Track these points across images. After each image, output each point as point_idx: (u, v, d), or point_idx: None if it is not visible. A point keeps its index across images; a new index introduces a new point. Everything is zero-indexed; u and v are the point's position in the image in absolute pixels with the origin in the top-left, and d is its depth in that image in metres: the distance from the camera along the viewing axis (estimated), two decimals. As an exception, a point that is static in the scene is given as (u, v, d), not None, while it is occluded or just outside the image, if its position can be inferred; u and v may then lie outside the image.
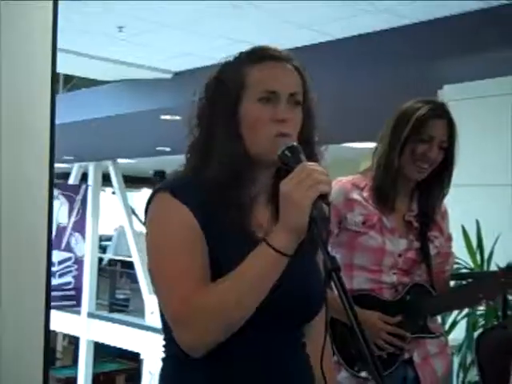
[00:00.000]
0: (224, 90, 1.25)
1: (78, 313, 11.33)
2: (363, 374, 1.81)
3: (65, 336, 15.75)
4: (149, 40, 5.05)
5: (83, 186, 11.64)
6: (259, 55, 1.27)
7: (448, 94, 4.64)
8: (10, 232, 1.85)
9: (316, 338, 1.28)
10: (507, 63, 4.15)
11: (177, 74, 5.86)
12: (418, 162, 1.86)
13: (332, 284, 1.07)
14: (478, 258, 3.66)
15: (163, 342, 1.30)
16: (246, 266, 1.14)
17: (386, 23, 4.39)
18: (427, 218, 1.92)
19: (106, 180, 12.15)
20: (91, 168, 11.72)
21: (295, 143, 1.21)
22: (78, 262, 11.32)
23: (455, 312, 3.63)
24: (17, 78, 1.86)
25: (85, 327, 11.41)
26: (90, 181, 11.74)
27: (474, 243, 3.68)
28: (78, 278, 11.25)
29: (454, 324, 3.58)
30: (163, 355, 1.30)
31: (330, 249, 1.89)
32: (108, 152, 10.82)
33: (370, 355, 1.01)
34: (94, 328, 11.40)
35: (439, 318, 2.20)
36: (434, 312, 1.90)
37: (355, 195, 1.88)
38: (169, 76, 5.89)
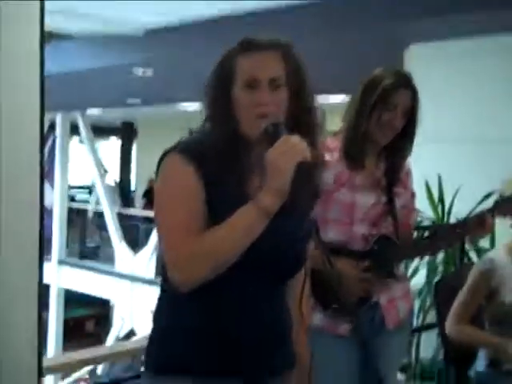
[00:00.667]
0: (221, 77, 1.45)
1: (49, 260, 11.47)
2: (337, 316, 2.04)
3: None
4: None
5: (51, 137, 11.64)
6: (246, 46, 1.44)
7: (413, 54, 4.85)
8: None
9: (296, 284, 1.52)
10: (470, 25, 4.35)
11: (148, 31, 5.93)
12: (384, 128, 2.04)
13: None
14: (440, 210, 3.93)
15: (160, 283, 1.52)
16: (234, 220, 1.34)
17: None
18: (393, 176, 2.12)
19: (74, 129, 12.13)
20: (59, 118, 11.66)
21: (278, 120, 1.39)
22: (47, 211, 11.40)
23: (416, 259, 3.93)
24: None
25: (55, 274, 11.56)
26: (58, 131, 11.70)
27: (436, 197, 3.95)
28: (48, 227, 11.35)
29: (416, 270, 3.88)
30: (159, 295, 1.52)
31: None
32: (76, 103, 10.78)
33: (347, 301, 1.23)
34: (65, 275, 11.57)
35: (402, 265, 2.44)
36: (399, 259, 2.14)
37: (327, 156, 2.06)
38: (141, 32, 5.95)
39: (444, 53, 4.67)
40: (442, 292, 2.71)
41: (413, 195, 2.23)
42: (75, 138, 14.48)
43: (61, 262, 11.66)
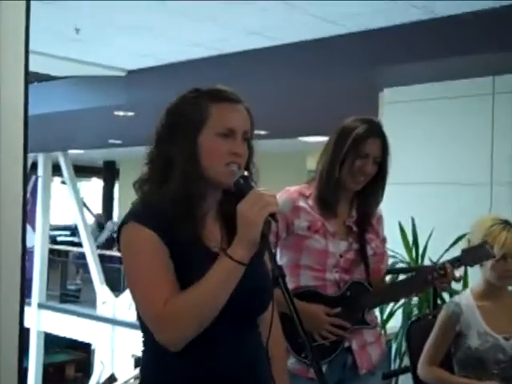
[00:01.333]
0: (185, 121, 1.47)
1: (29, 304, 11.35)
2: (308, 361, 2.06)
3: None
4: (104, 40, 5.18)
5: (33, 177, 11.64)
6: (218, 96, 1.49)
7: (388, 97, 4.97)
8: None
9: (266, 324, 1.52)
10: (443, 69, 4.48)
11: (130, 72, 6.02)
12: (356, 175, 2.11)
13: (278, 287, 1.33)
14: (414, 252, 3.98)
15: (142, 339, 1.52)
16: (211, 275, 1.37)
17: (334, 31, 4.66)
18: (365, 223, 2.18)
19: (56, 170, 12.14)
20: (41, 159, 11.68)
21: (246, 173, 1.46)
22: (28, 253, 11.33)
23: (392, 303, 3.96)
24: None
25: (35, 318, 11.43)
26: (40, 171, 11.70)
27: (410, 239, 4.00)
28: (28, 270, 11.26)
29: (391, 314, 3.90)
30: (143, 349, 1.53)
31: (279, 251, 2.16)
32: (59, 143, 10.83)
33: (307, 341, 1.26)
34: (45, 319, 11.43)
35: (376, 310, 2.47)
36: (371, 306, 2.16)
37: (301, 203, 2.12)
38: (122, 74, 6.04)
39: (416, 95, 4.79)
40: (414, 335, 2.73)
41: (384, 240, 2.27)
42: (57, 179, 14.47)
43: (41, 306, 11.54)
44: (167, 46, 5.27)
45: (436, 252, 3.79)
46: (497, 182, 4.35)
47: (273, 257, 1.36)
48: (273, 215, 1.36)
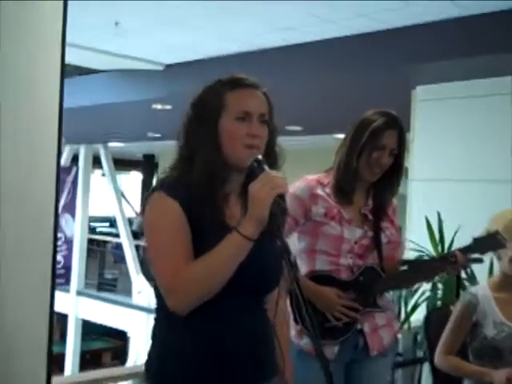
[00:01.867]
0: (207, 109, 1.58)
1: (68, 291, 11.66)
2: (322, 340, 2.16)
3: (53, 314, 16.01)
4: (143, 35, 5.34)
5: (74, 168, 11.92)
6: (236, 83, 1.60)
7: (420, 94, 5.01)
8: (20, 212, 2.10)
9: (271, 299, 1.64)
10: (473, 68, 4.51)
11: (168, 66, 6.17)
12: (372, 167, 2.19)
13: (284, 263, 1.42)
14: (440, 247, 4.02)
15: (156, 306, 1.64)
16: (221, 248, 1.48)
17: (368, 28, 4.72)
18: (380, 212, 2.26)
19: (97, 162, 12.43)
20: (82, 150, 11.98)
21: (260, 156, 1.56)
22: (68, 241, 11.65)
23: (416, 295, 4.02)
24: (31, 65, 2.09)
25: (73, 305, 11.74)
26: (81, 163, 12.01)
27: (437, 234, 4.04)
28: (68, 258, 11.57)
29: (416, 306, 3.96)
30: (156, 316, 1.65)
31: (297, 236, 2.26)
32: (99, 135, 11.09)
33: (308, 317, 1.35)
34: (83, 306, 11.74)
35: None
36: (382, 290, 2.25)
37: (319, 191, 2.22)
38: (160, 68, 6.20)
39: (447, 93, 4.82)
40: (432, 325, 2.80)
41: (399, 229, 2.35)
42: (98, 172, 14.79)
43: (79, 293, 11.84)
44: (204, 41, 5.40)
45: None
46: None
47: (280, 235, 1.45)
48: (281, 196, 1.46)
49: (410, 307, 3.95)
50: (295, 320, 2.23)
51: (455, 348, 2.54)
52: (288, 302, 2.26)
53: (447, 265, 2.16)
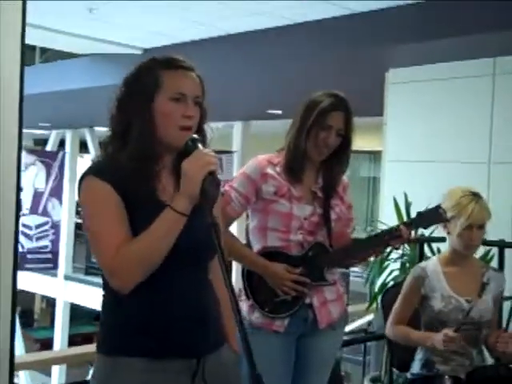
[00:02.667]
0: (141, 88, 1.60)
1: (56, 275, 11.73)
2: (272, 314, 2.25)
3: (43, 298, 16.12)
4: (119, 20, 5.38)
5: (61, 153, 11.94)
6: (171, 63, 1.63)
7: (393, 77, 5.07)
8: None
9: (216, 271, 1.64)
10: (445, 50, 4.56)
11: (146, 51, 6.21)
12: (320, 146, 2.26)
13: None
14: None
15: (102, 282, 1.70)
16: (156, 224, 1.54)
17: (340, 12, 4.77)
18: (330, 190, 2.33)
19: (84, 147, 12.44)
20: (68, 135, 12.00)
21: (195, 135, 1.62)
22: (55, 226, 11.70)
23: (384, 275, 4.12)
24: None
25: (62, 289, 11.81)
26: (68, 147, 12.03)
27: (404, 214, 4.13)
28: (55, 242, 11.63)
29: (384, 285, 4.05)
30: (103, 293, 1.70)
31: (250, 214, 2.33)
32: (85, 120, 11.10)
33: (233, 298, 1.41)
34: (71, 290, 11.80)
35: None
36: (329, 264, 2.32)
37: (269, 170, 2.29)
38: (139, 52, 6.23)
39: (420, 77, 4.88)
40: (387, 301, 2.88)
41: (349, 206, 2.42)
42: (87, 156, 14.80)
43: (67, 277, 11.90)
44: (180, 25, 5.44)
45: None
46: (495, 160, 4.44)
47: (209, 209, 1.52)
48: (212, 173, 1.53)
49: (377, 287, 4.04)
50: (246, 295, 2.30)
51: (404, 319, 2.63)
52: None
53: (392, 239, 2.23)
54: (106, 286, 1.68)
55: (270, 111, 7.87)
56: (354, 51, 5.04)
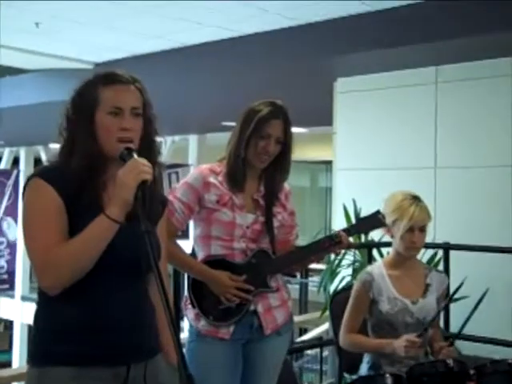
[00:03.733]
0: (84, 102, 1.68)
1: (12, 297, 11.50)
2: (217, 322, 2.26)
3: (0, 321, 15.78)
4: (68, 34, 5.36)
5: (15, 171, 11.78)
6: (109, 78, 1.70)
7: (341, 86, 5.16)
8: None
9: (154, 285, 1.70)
10: (389, 60, 4.68)
11: (98, 65, 6.19)
12: (260, 155, 2.29)
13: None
14: (356, 235, 4.16)
15: (38, 291, 1.70)
16: (89, 229, 1.58)
17: (288, 23, 4.84)
18: (272, 197, 2.35)
19: (39, 164, 12.27)
20: (22, 153, 11.84)
21: (131, 145, 1.66)
22: (11, 245, 11.51)
23: (337, 281, 4.16)
24: None
25: (19, 310, 11.58)
26: (22, 165, 11.86)
27: (353, 220, 4.18)
28: (11, 262, 11.43)
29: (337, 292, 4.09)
30: (37, 300, 1.71)
31: (193, 223, 2.35)
32: (39, 137, 10.96)
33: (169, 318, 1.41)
34: (28, 311, 11.58)
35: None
36: (272, 271, 2.34)
37: (211, 179, 2.31)
38: (90, 66, 6.21)
39: (367, 86, 4.98)
40: (335, 305, 2.92)
41: (292, 213, 2.46)
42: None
43: (24, 298, 11.68)
44: (129, 40, 5.45)
45: (380, 232, 3.98)
46: (440, 165, 4.55)
47: (143, 216, 1.53)
48: (145, 182, 1.57)
49: (330, 293, 4.08)
50: (192, 304, 2.31)
51: (356, 326, 2.66)
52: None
53: (332, 245, 2.27)
54: (39, 295, 1.70)
55: (224, 123, 7.90)
56: (303, 62, 5.12)
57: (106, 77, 1.71)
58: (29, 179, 1.68)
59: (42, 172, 1.70)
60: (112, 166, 1.70)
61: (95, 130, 1.67)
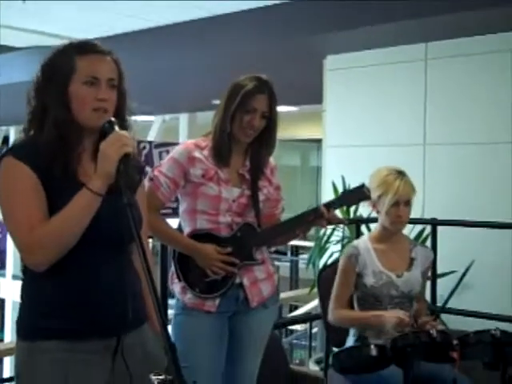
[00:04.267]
0: (57, 71, 1.64)
1: (3, 276, 11.51)
2: (203, 294, 2.28)
3: (-8, 300, 15.79)
4: (56, 11, 5.31)
5: (4, 150, 11.71)
6: (85, 48, 1.66)
7: (330, 63, 5.15)
8: None
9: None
10: (379, 36, 4.66)
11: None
12: (245, 129, 2.29)
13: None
14: (345, 211, 4.18)
15: (23, 268, 1.70)
16: (72, 204, 1.57)
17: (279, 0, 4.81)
18: (257, 172, 2.36)
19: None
20: (12, 131, 11.77)
21: (112, 118, 1.65)
22: (1, 225, 11.48)
23: (325, 257, 4.19)
24: None
25: (10, 289, 11.58)
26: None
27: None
28: (2, 241, 11.42)
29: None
30: (23, 277, 1.72)
31: (180, 198, 2.35)
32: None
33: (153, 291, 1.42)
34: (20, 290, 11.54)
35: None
36: (257, 244, 2.36)
37: (197, 154, 2.31)
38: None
39: (357, 63, 4.97)
40: (323, 282, 2.94)
41: (277, 188, 2.46)
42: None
43: (15, 277, 11.68)
44: (119, 16, 5.41)
45: (368, 209, 4.00)
46: (429, 142, 4.56)
47: (125, 189, 1.53)
48: (127, 155, 1.56)
49: (318, 270, 4.10)
50: (178, 278, 2.33)
51: (345, 300, 2.68)
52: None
53: (316, 218, 2.28)
54: (24, 270, 1.69)
55: (214, 102, 7.87)
56: (292, 40, 5.09)
57: (81, 46, 1.68)
58: (1, 159, 1.63)
59: (14, 151, 1.64)
60: (86, 139, 1.68)
61: (68, 99, 1.64)
